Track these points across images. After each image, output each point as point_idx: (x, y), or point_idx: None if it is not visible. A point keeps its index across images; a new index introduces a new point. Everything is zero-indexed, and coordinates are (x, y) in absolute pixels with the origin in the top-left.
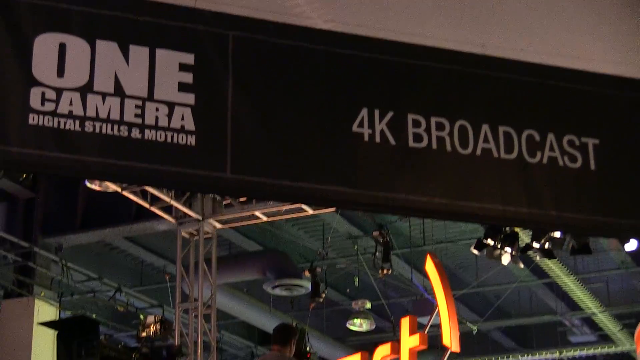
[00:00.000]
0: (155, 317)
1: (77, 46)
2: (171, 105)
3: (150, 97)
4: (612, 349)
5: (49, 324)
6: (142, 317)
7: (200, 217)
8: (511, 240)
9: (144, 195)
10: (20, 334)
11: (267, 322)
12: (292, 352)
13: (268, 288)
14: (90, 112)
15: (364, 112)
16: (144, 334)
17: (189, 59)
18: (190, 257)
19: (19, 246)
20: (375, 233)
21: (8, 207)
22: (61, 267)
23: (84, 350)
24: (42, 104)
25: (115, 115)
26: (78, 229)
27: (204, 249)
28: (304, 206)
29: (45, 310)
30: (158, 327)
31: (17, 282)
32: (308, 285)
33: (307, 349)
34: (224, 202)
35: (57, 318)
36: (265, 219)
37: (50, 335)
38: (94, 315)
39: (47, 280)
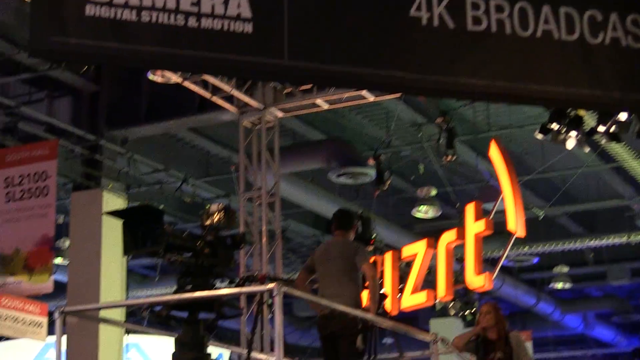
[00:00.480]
0: (218, 205)
1: None
2: None
3: None
4: None
5: (113, 214)
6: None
7: (261, 106)
8: (576, 123)
9: (205, 85)
10: (89, 225)
11: (333, 210)
12: (353, 236)
13: (333, 176)
14: (147, 2)
15: None
16: (207, 222)
17: None
18: (253, 147)
19: (85, 139)
20: (439, 119)
21: (73, 101)
22: (127, 159)
23: (149, 238)
24: None
25: (171, 5)
26: (143, 121)
27: (266, 138)
28: (364, 93)
29: (113, 202)
30: (222, 215)
31: (84, 175)
32: (372, 173)
33: (373, 235)
34: (285, 91)
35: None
36: (326, 106)
37: (119, 226)
38: (161, 206)
39: (114, 172)
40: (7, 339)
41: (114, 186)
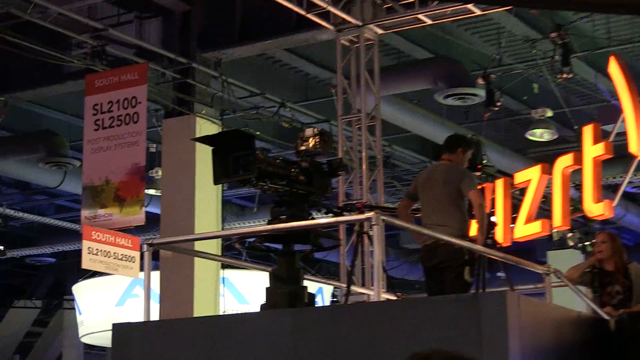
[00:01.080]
0: (314, 129)
1: None
2: None
3: None
4: None
5: (202, 140)
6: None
7: (359, 23)
8: None
9: (299, 2)
10: (182, 153)
11: (441, 135)
12: (463, 162)
13: (440, 98)
14: None
15: None
16: (302, 148)
17: None
18: (351, 67)
19: (176, 62)
20: (554, 34)
21: (163, 23)
22: (221, 82)
23: (240, 165)
24: None
25: None
26: (237, 42)
27: (365, 57)
28: (471, 7)
29: (206, 128)
30: (317, 139)
31: (176, 101)
32: (482, 93)
33: (483, 161)
34: (385, 6)
35: None
36: (429, 22)
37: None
38: (257, 133)
39: (207, 97)
40: (99, 274)
41: (208, 112)
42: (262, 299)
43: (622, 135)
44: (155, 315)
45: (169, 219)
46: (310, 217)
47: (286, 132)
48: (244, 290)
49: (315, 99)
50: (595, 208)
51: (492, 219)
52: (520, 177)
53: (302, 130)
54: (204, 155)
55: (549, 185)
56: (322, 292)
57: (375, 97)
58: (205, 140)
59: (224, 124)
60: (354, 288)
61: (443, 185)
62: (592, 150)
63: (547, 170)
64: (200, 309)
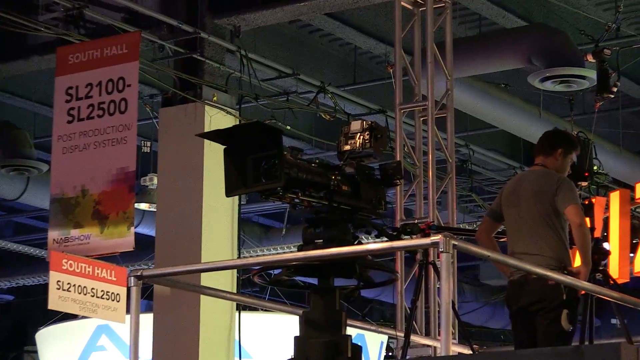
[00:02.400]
0: (362, 123)
1: None
2: None
3: None
4: None
5: (211, 136)
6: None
7: None
8: None
9: None
10: (186, 154)
11: (536, 131)
12: (563, 167)
13: (535, 81)
14: None
15: None
16: (346, 147)
17: None
18: (414, 38)
19: (179, 31)
20: None
21: None
22: (240, 59)
23: (263, 170)
24: None
25: None
26: (260, 4)
27: (435, 25)
28: None
29: (219, 120)
30: (367, 136)
31: (179, 83)
32: (593, 75)
33: (593, 167)
34: None
35: None
36: None
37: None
38: (287, 127)
39: (220, 78)
40: (72, 317)
41: (220, 98)
42: (288, 352)
43: None
44: None
45: (167, 242)
46: (356, 242)
47: (326, 126)
48: (265, 342)
49: (365, 82)
50: None
51: (604, 245)
52: None
53: (347, 123)
54: (214, 157)
55: None
56: (364, 339)
57: (447, 80)
58: (216, 136)
59: (242, 114)
60: (414, 338)
61: (534, 199)
62: None
63: None
64: None
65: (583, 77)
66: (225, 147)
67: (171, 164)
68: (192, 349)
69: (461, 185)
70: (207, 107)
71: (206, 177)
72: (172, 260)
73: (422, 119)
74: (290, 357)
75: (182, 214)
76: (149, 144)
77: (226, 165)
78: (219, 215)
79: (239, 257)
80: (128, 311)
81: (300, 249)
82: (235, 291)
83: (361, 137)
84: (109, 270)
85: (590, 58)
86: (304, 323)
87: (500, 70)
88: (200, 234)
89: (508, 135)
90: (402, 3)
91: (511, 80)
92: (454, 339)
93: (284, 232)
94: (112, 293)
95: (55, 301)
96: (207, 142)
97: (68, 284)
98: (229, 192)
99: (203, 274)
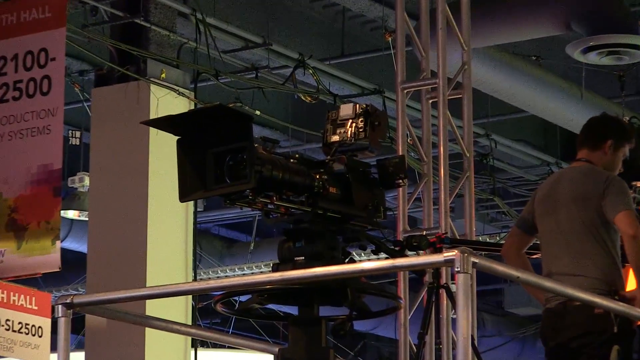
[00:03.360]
0: (354, 107)
1: None
2: None
3: None
4: None
5: (159, 123)
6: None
7: None
8: None
9: None
10: (126, 146)
11: (577, 116)
12: (614, 163)
13: (576, 52)
14: None
15: None
16: (334, 138)
17: None
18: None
19: None
20: None
21: None
22: (195, 25)
23: (227, 168)
24: None
25: None
26: None
27: None
28: None
29: (169, 104)
30: (360, 123)
31: (117, 56)
32: None
33: None
34: None
35: None
36: None
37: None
38: (256, 112)
39: (170, 50)
40: None
41: (170, 76)
42: None
43: None
44: None
45: (103, 260)
46: (347, 260)
47: (307, 110)
48: None
49: (357, 53)
50: None
51: None
52: None
53: (334, 107)
54: (163, 151)
55: None
56: None
57: (462, 51)
58: (166, 124)
59: (199, 96)
60: None
61: (575, 204)
62: None
63: None
64: None
65: (636, 47)
66: (178, 138)
67: (107, 160)
68: None
69: (481, 187)
70: (153, 87)
71: (153, 176)
72: (109, 284)
73: (430, 101)
74: None
75: (121, 224)
76: (78, 134)
77: (179, 162)
78: (169, 226)
79: (195, 280)
80: (54, 349)
81: (275, 268)
82: (190, 323)
83: (353, 124)
84: (28, 297)
85: None
86: None
87: (531, 38)
88: (145, 250)
89: (541, 122)
90: None
91: (545, 52)
92: None
93: (252, 247)
94: (33, 326)
95: None
96: (154, 131)
97: None
98: (183, 196)
99: (149, 302)
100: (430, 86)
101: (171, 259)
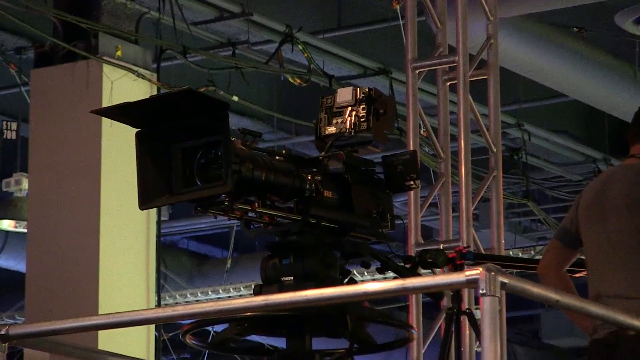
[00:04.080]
0: (355, 91)
1: None
2: None
3: None
4: None
5: (109, 112)
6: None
7: None
8: None
9: None
10: (74, 137)
11: (630, 102)
12: None
13: (627, 22)
14: None
15: None
16: (330, 130)
17: None
18: None
19: None
20: None
21: None
22: None
23: (198, 167)
24: None
25: None
26: None
27: None
28: None
29: (125, 88)
30: (362, 111)
31: (61, 29)
32: None
33: None
34: None
35: None
36: None
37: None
38: (234, 98)
39: (127, 22)
40: None
41: (129, 53)
42: None
43: None
44: None
45: (45, 282)
46: (347, 280)
47: (295, 96)
48: None
49: (356, 25)
50: None
51: None
52: None
53: (329, 92)
54: (119, 147)
55: None
56: None
57: (487, 22)
58: (122, 113)
59: (163, 78)
60: None
61: (627, 211)
62: None
63: None
64: None
65: None
66: (137, 130)
67: (50, 159)
68: None
69: (511, 189)
70: (106, 67)
71: (106, 178)
72: (53, 311)
73: (448, 83)
74: None
75: (67, 236)
76: (15, 126)
77: (139, 160)
78: (126, 239)
79: (158, 306)
80: None
81: (258, 291)
82: (153, 359)
83: (353, 113)
84: None
85: None
86: None
87: (572, 5)
88: (96, 269)
89: (584, 108)
90: None
91: (590, 23)
92: None
93: (229, 265)
94: None
95: None
96: (107, 122)
97: None
98: (144, 203)
99: (102, 332)
100: (448, 65)
101: (129, 280)
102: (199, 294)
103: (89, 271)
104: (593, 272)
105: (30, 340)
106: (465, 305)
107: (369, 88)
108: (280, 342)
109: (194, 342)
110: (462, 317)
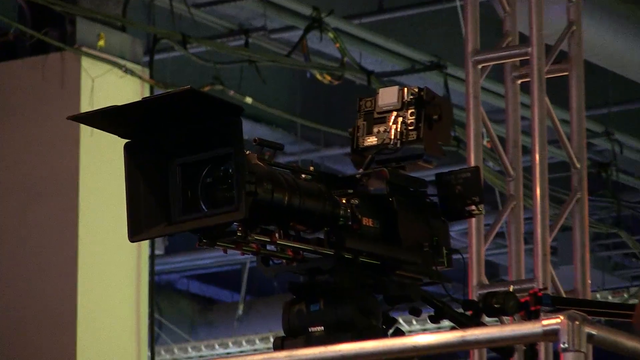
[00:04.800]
0: (401, 92)
1: None
2: None
3: None
4: None
5: (89, 119)
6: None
7: None
8: None
9: None
10: (46, 147)
11: None
12: None
13: None
14: None
15: None
16: (370, 141)
17: None
18: None
19: None
20: None
21: None
22: None
23: (203, 187)
24: None
25: None
26: None
27: None
28: None
29: (109, 86)
30: (410, 117)
31: (30, 15)
32: None
33: None
34: None
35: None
36: None
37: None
38: (248, 100)
39: (113, 5)
40: None
41: (113, 44)
42: None
43: None
44: None
45: (8, 332)
46: (392, 330)
47: (325, 97)
48: None
49: (402, 7)
50: None
51: None
52: None
53: (368, 92)
54: (102, 162)
55: None
56: None
57: (569, 3)
58: (105, 120)
59: (157, 75)
60: None
61: None
62: None
63: None
64: None
65: None
66: (126, 141)
67: (14, 176)
68: None
69: (598, 215)
70: (86, 61)
71: (85, 201)
72: None
73: (519, 81)
74: None
75: (37, 275)
76: None
77: (128, 178)
78: (111, 278)
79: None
80: None
81: (279, 344)
82: None
83: (399, 119)
84: None
85: None
86: None
87: None
88: (74, 315)
89: None
90: None
91: None
92: None
93: (241, 311)
94: None
95: None
96: (86, 130)
97: None
98: (134, 233)
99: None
100: (518, 58)
101: (115, 331)
102: (203, 348)
103: (64, 319)
104: None
105: None
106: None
107: (419, 87)
108: None
109: None
110: None
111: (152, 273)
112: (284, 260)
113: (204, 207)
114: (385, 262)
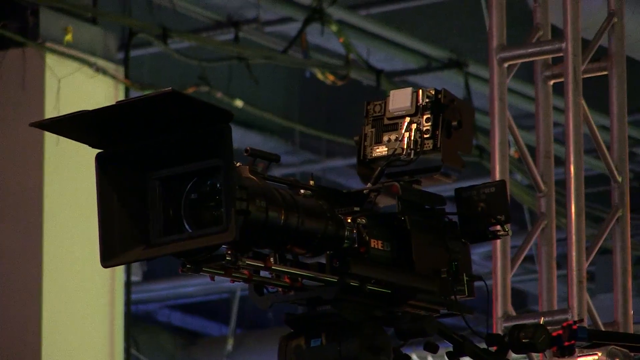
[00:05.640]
0: (415, 94)
1: None
2: None
3: None
4: None
5: (56, 125)
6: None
7: None
8: None
9: None
10: (7, 158)
11: None
12: None
13: None
14: None
15: None
16: (379, 151)
17: None
18: None
19: None
20: None
21: None
22: None
23: (187, 204)
24: None
25: None
26: None
27: None
28: None
29: (78, 87)
30: (425, 123)
31: None
32: None
33: None
34: None
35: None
36: None
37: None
38: (238, 104)
39: None
40: None
41: (83, 39)
42: None
43: None
44: None
45: None
46: None
47: (327, 99)
48: None
49: None
50: None
51: None
52: None
53: (378, 94)
54: (69, 175)
55: None
56: None
57: None
58: (73, 127)
59: (134, 74)
60: None
61: None
62: None
63: None
64: None
65: None
66: (98, 152)
67: None
68: None
69: None
70: (50, 58)
71: (50, 220)
72: None
73: (552, 82)
74: None
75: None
76: None
77: (100, 195)
78: (81, 309)
79: None
80: None
81: None
82: None
83: (413, 125)
84: None
85: None
86: None
87: None
88: (37, 348)
89: None
90: None
91: None
92: None
93: (231, 347)
94: None
95: None
96: (51, 139)
97: None
98: (108, 257)
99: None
100: (550, 55)
101: (86, 350)
102: None
103: (26, 353)
104: None
105: None
106: None
107: (435, 89)
108: None
109: None
110: None
111: (128, 303)
112: (280, 289)
113: (187, 227)
114: (397, 291)
